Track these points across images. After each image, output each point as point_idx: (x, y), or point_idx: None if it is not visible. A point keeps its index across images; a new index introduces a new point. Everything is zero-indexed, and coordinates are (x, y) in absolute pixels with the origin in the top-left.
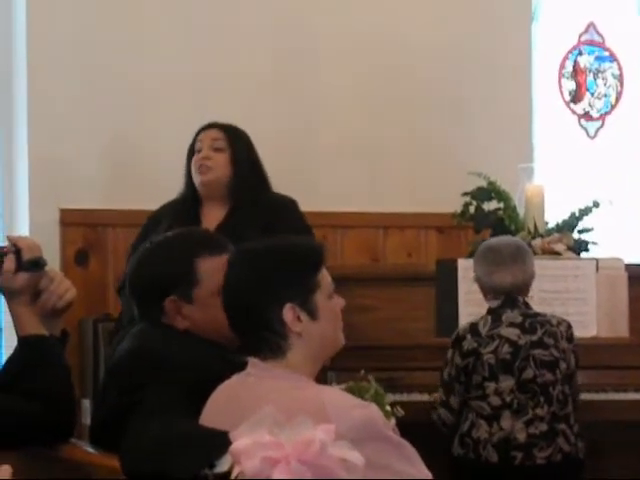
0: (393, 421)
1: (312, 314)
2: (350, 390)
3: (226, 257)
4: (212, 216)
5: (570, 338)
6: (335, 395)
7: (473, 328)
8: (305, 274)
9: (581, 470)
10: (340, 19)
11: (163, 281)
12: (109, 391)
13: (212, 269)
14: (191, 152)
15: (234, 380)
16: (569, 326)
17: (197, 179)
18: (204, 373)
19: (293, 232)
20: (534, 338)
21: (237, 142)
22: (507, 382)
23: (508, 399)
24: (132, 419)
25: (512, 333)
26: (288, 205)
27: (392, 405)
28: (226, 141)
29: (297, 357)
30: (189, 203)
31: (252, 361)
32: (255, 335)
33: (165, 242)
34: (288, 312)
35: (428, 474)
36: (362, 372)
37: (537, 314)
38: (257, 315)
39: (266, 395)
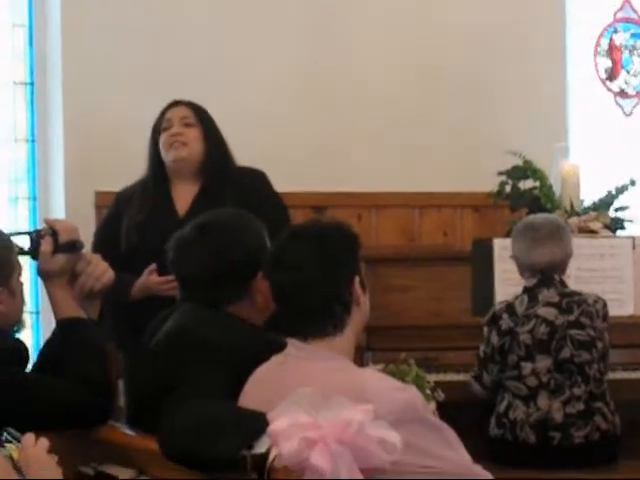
0: (433, 404)
1: (364, 288)
2: (390, 372)
3: None
4: (184, 194)
5: (605, 317)
6: (375, 377)
7: (510, 307)
8: (359, 248)
9: (618, 447)
10: (374, 1)
11: (257, 259)
12: (151, 371)
13: None
14: (156, 131)
15: (273, 361)
16: (604, 304)
17: (170, 156)
18: (244, 354)
19: (270, 205)
20: (571, 318)
21: (205, 118)
22: (544, 362)
23: (545, 379)
24: (171, 400)
25: (549, 313)
26: (260, 178)
27: (433, 389)
28: (195, 118)
29: (349, 334)
30: (159, 182)
31: (292, 342)
32: (322, 312)
33: (236, 221)
34: (357, 285)
35: (468, 457)
36: (403, 355)
37: (573, 293)
38: (330, 290)
39: (306, 376)
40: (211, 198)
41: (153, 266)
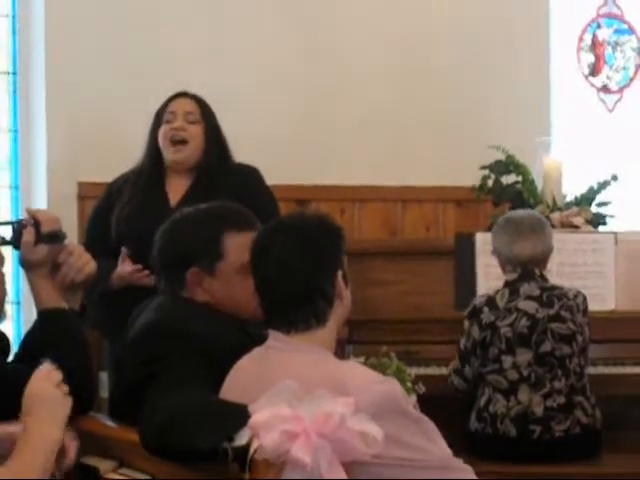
0: (414, 397)
1: (346, 282)
2: (372, 366)
3: (253, 234)
4: (177, 185)
5: (585, 311)
6: (356, 370)
7: (490, 301)
8: (342, 242)
9: (599, 441)
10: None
11: (188, 252)
12: (128, 364)
13: (239, 245)
14: (158, 120)
15: (254, 353)
16: (584, 299)
17: (170, 155)
18: (224, 345)
19: (262, 201)
20: (551, 312)
21: (209, 115)
22: (524, 355)
23: (525, 372)
24: (151, 392)
25: (530, 306)
26: (253, 174)
27: (414, 382)
28: (200, 114)
29: (331, 327)
30: (153, 172)
31: (273, 334)
32: (304, 304)
33: (194, 214)
34: (340, 278)
35: (448, 450)
36: (384, 348)
37: (554, 287)
38: (313, 282)
39: (287, 368)
40: (203, 191)
41: (124, 251)
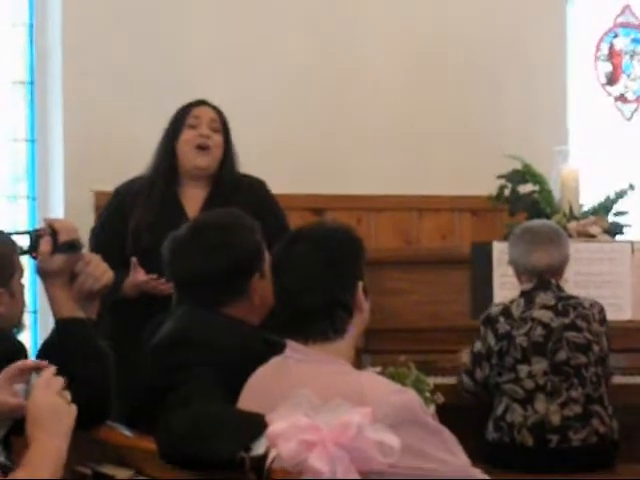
0: (432, 408)
1: (366, 293)
2: (390, 376)
3: None
4: (193, 197)
5: (602, 320)
6: (374, 380)
7: (506, 311)
8: (363, 253)
9: (616, 451)
10: (377, 3)
11: (250, 259)
12: (148, 372)
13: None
14: (179, 125)
15: (272, 363)
16: (601, 309)
17: (193, 156)
18: (243, 355)
19: (275, 214)
20: (567, 321)
21: (227, 125)
22: (540, 364)
23: (542, 382)
24: (170, 402)
25: (545, 315)
26: (264, 187)
27: (432, 392)
28: (220, 123)
29: (350, 338)
30: (168, 182)
31: (291, 344)
32: (324, 315)
33: (230, 221)
34: (360, 290)
35: (466, 460)
36: (403, 358)
37: (570, 297)
38: (333, 294)
39: (304, 379)
40: (221, 203)
41: (134, 260)
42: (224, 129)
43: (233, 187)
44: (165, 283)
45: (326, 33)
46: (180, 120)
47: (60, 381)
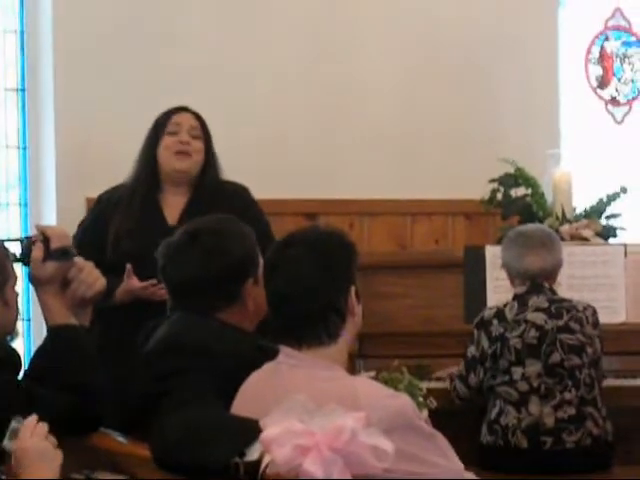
0: (426, 412)
1: (359, 298)
2: (383, 380)
3: None
4: (173, 203)
5: (595, 323)
6: (368, 385)
7: (499, 313)
8: (356, 258)
9: (610, 452)
10: (371, 7)
11: (244, 264)
12: (142, 378)
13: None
14: (158, 131)
15: (266, 368)
16: (594, 311)
17: (177, 165)
18: (237, 361)
19: (258, 220)
20: (560, 323)
21: (208, 132)
22: (534, 366)
23: (535, 384)
24: (164, 408)
25: (538, 318)
26: (247, 193)
27: (425, 396)
28: (201, 130)
29: (343, 343)
30: (149, 189)
31: (284, 349)
32: (317, 320)
33: (225, 227)
34: (353, 294)
35: (460, 465)
36: (396, 362)
37: (563, 299)
38: (326, 298)
39: (298, 384)
40: (201, 209)
41: (129, 267)
42: (205, 136)
43: (214, 193)
44: (163, 289)
45: (321, 39)
46: (160, 127)
47: (44, 427)
